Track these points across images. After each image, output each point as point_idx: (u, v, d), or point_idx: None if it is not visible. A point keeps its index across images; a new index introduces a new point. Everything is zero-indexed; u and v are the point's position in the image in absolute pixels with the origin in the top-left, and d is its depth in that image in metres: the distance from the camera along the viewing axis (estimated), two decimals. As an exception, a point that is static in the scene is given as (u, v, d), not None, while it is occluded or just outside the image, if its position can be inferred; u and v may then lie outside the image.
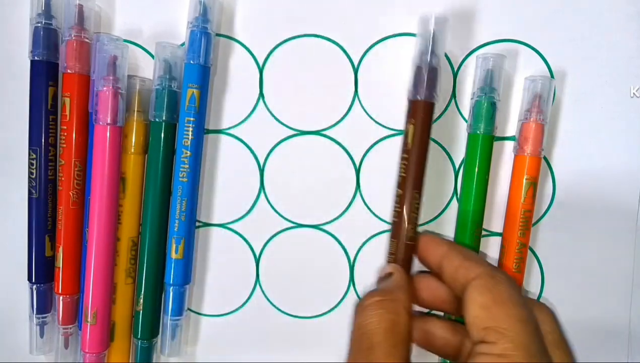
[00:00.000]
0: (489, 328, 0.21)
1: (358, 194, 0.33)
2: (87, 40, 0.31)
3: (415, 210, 0.28)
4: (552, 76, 0.32)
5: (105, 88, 0.30)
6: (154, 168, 0.31)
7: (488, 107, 0.30)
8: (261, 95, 0.33)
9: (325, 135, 0.33)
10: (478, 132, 0.31)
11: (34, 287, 0.32)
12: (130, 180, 0.31)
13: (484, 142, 0.31)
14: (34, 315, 0.33)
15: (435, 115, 0.33)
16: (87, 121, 0.31)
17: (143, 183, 0.32)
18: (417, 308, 0.26)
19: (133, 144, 0.31)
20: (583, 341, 0.33)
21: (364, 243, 0.33)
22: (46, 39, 0.31)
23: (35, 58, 0.31)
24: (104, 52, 0.30)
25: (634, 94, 0.32)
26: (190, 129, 0.31)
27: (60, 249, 0.32)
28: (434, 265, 0.26)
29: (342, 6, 0.32)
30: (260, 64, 0.33)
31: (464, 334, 0.25)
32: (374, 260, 0.33)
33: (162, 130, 0.31)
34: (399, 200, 0.28)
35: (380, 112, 0.33)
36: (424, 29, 0.29)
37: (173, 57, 0.31)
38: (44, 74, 0.31)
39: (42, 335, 0.33)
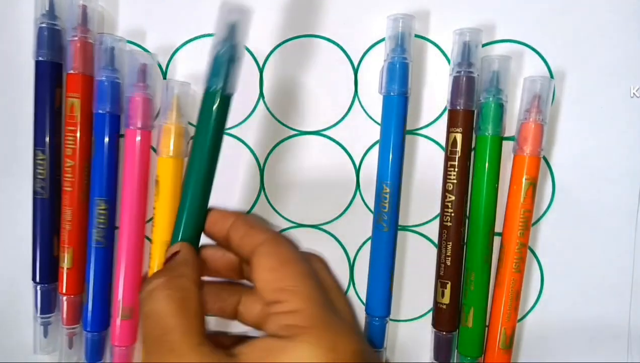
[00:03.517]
0: (280, 289, 0.22)
1: (358, 194, 0.33)
2: (90, 40, 0.31)
3: (465, 213, 0.31)
4: (551, 76, 0.32)
5: (135, 94, 0.30)
6: (200, 144, 0.26)
7: (496, 108, 0.30)
8: (261, 95, 0.33)
9: (325, 135, 0.33)
10: (486, 133, 0.31)
11: (38, 287, 0.32)
12: (164, 184, 0.30)
13: (492, 143, 0.31)
14: (38, 315, 0.33)
15: (434, 117, 0.33)
16: (90, 122, 0.31)
17: (177, 186, 0.31)
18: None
19: (170, 147, 0.30)
20: (583, 341, 0.33)
21: (364, 243, 0.34)
22: (50, 40, 0.31)
23: (40, 58, 0.31)
24: (134, 60, 0.31)
25: (634, 94, 0.32)
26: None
27: (66, 250, 0.32)
28: (221, 237, 0.25)
29: (342, 7, 0.32)
30: (260, 64, 0.33)
31: (238, 293, 0.25)
32: (374, 260, 0.33)
33: (216, 101, 0.26)
34: (454, 206, 0.31)
35: (380, 112, 0.33)
36: (460, 41, 0.30)
37: (239, 20, 0.29)
38: (49, 74, 0.31)
39: (45, 335, 0.33)
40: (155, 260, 0.31)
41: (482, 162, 0.31)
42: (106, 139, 0.31)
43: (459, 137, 0.31)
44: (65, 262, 0.32)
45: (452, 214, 0.31)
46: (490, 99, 0.31)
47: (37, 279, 0.32)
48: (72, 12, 0.31)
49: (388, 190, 0.31)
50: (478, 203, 0.31)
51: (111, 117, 0.31)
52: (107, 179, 0.31)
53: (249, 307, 0.25)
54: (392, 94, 0.30)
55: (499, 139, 0.31)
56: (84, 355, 0.33)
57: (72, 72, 0.31)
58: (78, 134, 0.31)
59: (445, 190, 0.31)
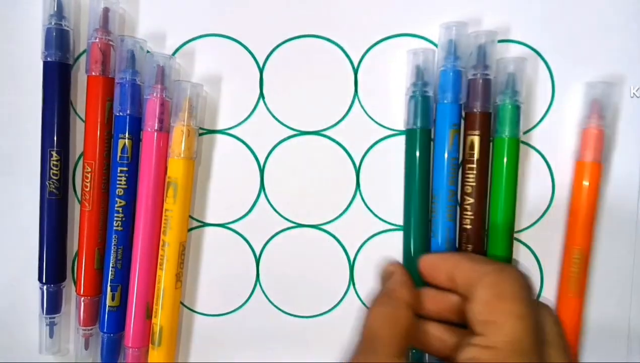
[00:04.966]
0: (487, 322, 0.21)
1: (358, 194, 0.33)
2: (111, 42, 0.31)
3: (485, 217, 0.31)
4: (552, 76, 0.32)
5: (153, 96, 0.31)
6: (417, 176, 0.31)
7: (512, 110, 0.30)
8: (261, 95, 0.33)
9: (325, 135, 0.33)
10: (503, 136, 0.31)
11: (45, 287, 0.32)
12: (180, 186, 0.31)
13: (510, 145, 0.31)
14: (44, 316, 0.33)
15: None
16: (111, 124, 0.32)
17: (189, 187, 0.31)
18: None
19: (181, 149, 0.31)
20: (583, 341, 0.33)
21: (364, 243, 0.34)
22: (58, 40, 0.31)
23: (48, 59, 0.31)
24: (152, 61, 0.31)
25: (634, 94, 0.32)
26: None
27: (84, 251, 0.32)
28: (445, 281, 0.25)
29: (342, 6, 0.32)
30: (260, 64, 0.33)
31: (461, 335, 0.24)
32: (374, 260, 0.33)
33: (418, 137, 0.31)
34: (473, 209, 0.31)
35: (380, 112, 0.33)
36: (476, 43, 0.30)
37: (425, 62, 0.31)
38: (57, 74, 0.31)
39: (51, 335, 0.33)
40: (171, 262, 0.30)
41: (500, 164, 0.31)
42: (126, 141, 0.31)
43: (476, 139, 0.31)
44: (84, 263, 0.32)
45: (472, 217, 0.31)
46: (507, 100, 0.31)
47: (45, 280, 0.32)
48: (94, 13, 0.31)
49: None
50: (496, 206, 0.31)
51: (131, 119, 0.31)
52: (127, 180, 0.31)
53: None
54: (445, 101, 0.31)
55: (517, 141, 0.31)
56: (99, 356, 0.33)
57: (92, 74, 0.31)
58: (98, 135, 0.31)
59: (463, 193, 0.31)
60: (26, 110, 0.33)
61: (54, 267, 0.32)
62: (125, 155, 0.31)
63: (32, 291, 0.33)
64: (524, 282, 0.22)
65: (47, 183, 0.31)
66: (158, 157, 0.31)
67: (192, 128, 0.31)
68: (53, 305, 0.33)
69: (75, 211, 0.34)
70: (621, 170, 0.32)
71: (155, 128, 0.31)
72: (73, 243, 0.34)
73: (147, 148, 0.31)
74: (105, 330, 0.32)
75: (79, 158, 0.33)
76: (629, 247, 0.33)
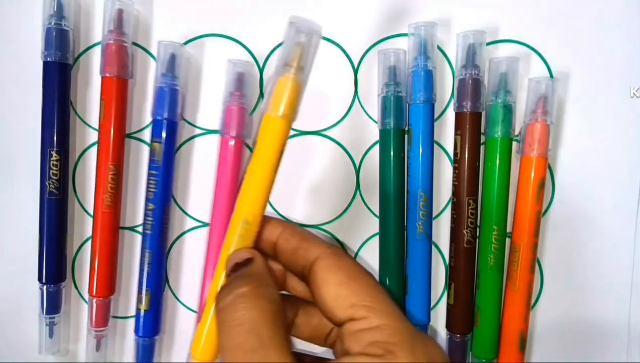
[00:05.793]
0: (354, 305, 0.21)
1: (358, 194, 0.33)
2: (125, 44, 0.31)
3: (470, 216, 0.31)
4: (551, 76, 0.32)
5: (232, 103, 0.31)
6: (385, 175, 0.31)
7: (504, 110, 0.30)
8: (262, 95, 0.33)
9: (325, 135, 0.33)
10: (495, 135, 0.31)
11: (44, 287, 0.32)
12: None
13: (502, 145, 0.31)
14: (44, 316, 0.33)
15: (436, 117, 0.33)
16: (123, 125, 0.32)
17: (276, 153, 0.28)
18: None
19: (285, 105, 0.25)
20: (583, 341, 0.33)
21: (363, 243, 0.34)
22: (58, 40, 0.31)
23: (48, 59, 0.31)
24: (233, 70, 0.31)
25: (634, 94, 0.32)
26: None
27: (97, 252, 0.32)
28: (268, 247, 0.24)
29: (342, 6, 0.32)
30: (261, 64, 0.33)
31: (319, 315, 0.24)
32: (374, 260, 0.33)
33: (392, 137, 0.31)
34: (455, 207, 0.31)
35: (378, 112, 0.33)
36: (464, 43, 0.31)
37: (396, 62, 0.31)
38: (57, 74, 0.31)
39: (51, 335, 0.33)
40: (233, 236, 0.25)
41: (492, 164, 0.31)
42: (158, 145, 0.31)
43: (466, 139, 0.31)
44: (95, 265, 0.32)
45: (454, 216, 0.32)
46: (499, 100, 0.31)
47: (45, 280, 0.32)
48: (108, 15, 0.31)
49: (427, 198, 0.31)
50: (489, 205, 0.31)
51: (169, 123, 0.31)
52: (164, 185, 0.31)
53: (305, 320, 0.24)
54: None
55: (509, 140, 0.31)
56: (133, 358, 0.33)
57: (106, 75, 0.31)
58: (111, 136, 0.31)
59: (453, 192, 0.31)
60: (26, 110, 0.33)
61: (54, 267, 0.32)
62: (156, 159, 0.31)
63: (32, 291, 0.33)
64: (351, 256, 0.24)
65: (47, 183, 0.31)
66: (234, 162, 0.31)
67: (299, 82, 0.24)
68: (53, 305, 0.33)
69: (75, 211, 0.34)
70: (622, 170, 0.32)
71: (234, 135, 0.31)
72: (73, 244, 0.34)
73: (224, 154, 0.31)
74: (140, 334, 0.32)
75: (79, 158, 0.34)
76: (629, 247, 0.33)
